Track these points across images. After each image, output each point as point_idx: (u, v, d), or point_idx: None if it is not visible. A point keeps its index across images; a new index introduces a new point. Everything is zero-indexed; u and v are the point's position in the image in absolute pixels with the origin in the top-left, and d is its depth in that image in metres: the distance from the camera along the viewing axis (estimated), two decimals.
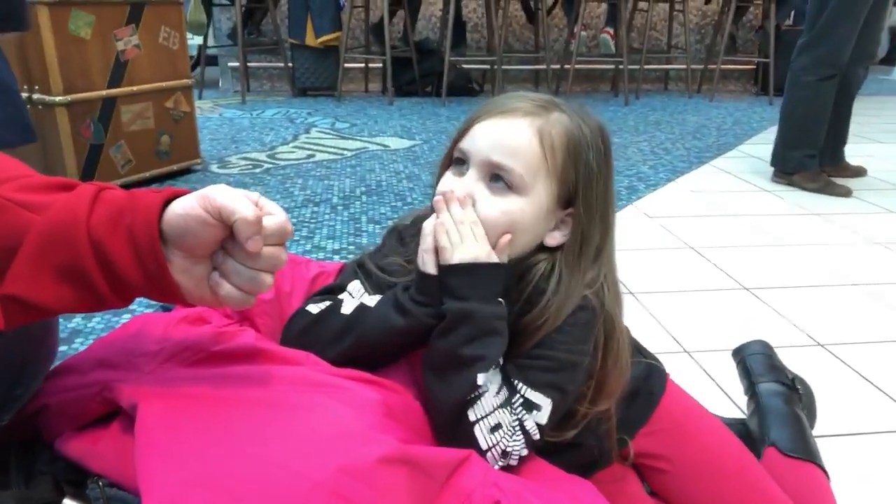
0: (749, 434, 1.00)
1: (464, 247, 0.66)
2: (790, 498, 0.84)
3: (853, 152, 3.28)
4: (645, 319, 1.53)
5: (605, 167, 0.72)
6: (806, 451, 0.94)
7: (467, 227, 0.67)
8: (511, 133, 0.69)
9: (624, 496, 0.76)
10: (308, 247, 1.91)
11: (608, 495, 0.66)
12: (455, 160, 0.72)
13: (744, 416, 1.09)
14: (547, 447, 0.69)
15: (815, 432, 1.07)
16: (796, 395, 1.05)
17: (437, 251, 0.68)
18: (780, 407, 1.01)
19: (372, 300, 0.72)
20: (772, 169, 2.77)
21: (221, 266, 0.56)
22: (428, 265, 0.68)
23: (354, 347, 0.69)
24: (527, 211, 0.69)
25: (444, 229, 0.67)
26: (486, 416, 0.65)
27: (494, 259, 0.67)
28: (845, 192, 2.56)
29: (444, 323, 0.66)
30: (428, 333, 0.67)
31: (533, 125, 0.69)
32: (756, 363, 1.11)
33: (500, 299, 0.68)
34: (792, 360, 1.16)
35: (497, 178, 0.68)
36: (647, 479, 0.84)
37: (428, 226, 0.69)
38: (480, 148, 0.69)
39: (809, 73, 2.53)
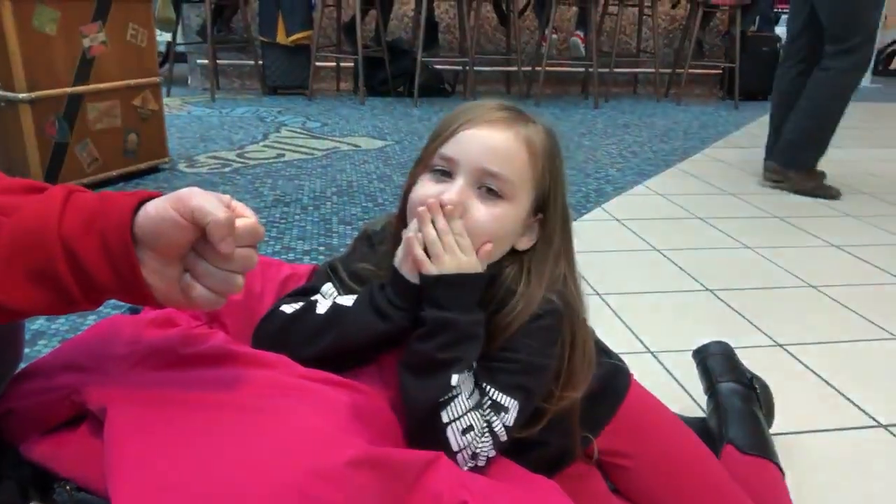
0: (708, 432, 1.03)
1: (448, 258, 0.67)
2: (747, 493, 0.87)
3: None
4: (610, 320, 1.56)
5: (563, 172, 0.76)
6: (762, 449, 0.98)
7: (452, 238, 0.67)
8: (502, 142, 0.70)
9: (587, 493, 0.78)
10: (278, 247, 1.90)
11: (572, 492, 0.68)
12: (434, 167, 0.72)
13: (704, 415, 1.12)
14: (513, 446, 0.71)
15: (772, 430, 1.11)
16: (754, 395, 1.08)
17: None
18: (738, 406, 1.04)
19: (346, 299, 0.73)
20: (737, 172, 2.83)
21: (193, 268, 0.56)
22: (410, 274, 0.69)
23: (330, 348, 0.70)
24: (513, 216, 0.71)
25: (418, 242, 0.67)
26: (459, 417, 0.66)
27: (478, 269, 0.69)
28: (835, 194, 2.66)
29: (425, 329, 0.67)
30: (403, 334, 0.69)
31: (520, 134, 0.71)
32: (716, 363, 1.14)
33: (475, 305, 0.69)
34: (751, 360, 1.20)
35: (485, 185, 0.70)
36: (609, 476, 0.87)
37: (410, 233, 0.69)
38: (471, 156, 0.70)
39: (851, 75, 2.61)
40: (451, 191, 0.69)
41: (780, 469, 0.97)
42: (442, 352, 0.66)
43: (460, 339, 0.67)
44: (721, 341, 1.20)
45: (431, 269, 0.67)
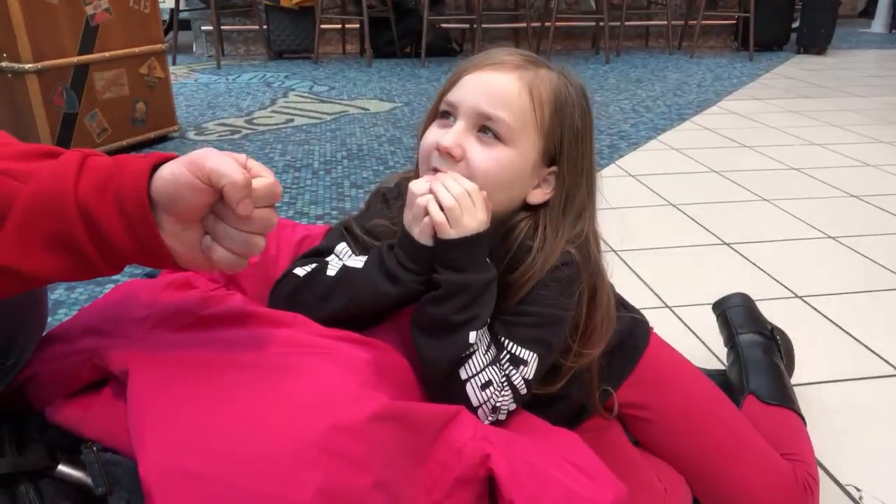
0: (729, 384, 1.03)
1: (467, 219, 0.65)
2: (769, 443, 0.86)
3: (831, 106, 3.31)
4: (627, 276, 1.55)
5: (589, 127, 0.73)
6: (783, 399, 0.97)
7: (468, 199, 0.65)
8: (501, 84, 0.69)
9: (608, 445, 0.78)
10: (291, 213, 1.90)
11: (593, 444, 0.68)
12: (442, 113, 0.71)
13: (724, 368, 1.12)
14: (534, 400, 0.70)
15: (793, 380, 1.11)
16: (775, 345, 1.08)
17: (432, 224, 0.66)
18: (759, 357, 1.04)
19: (356, 261, 0.72)
20: (752, 124, 2.78)
21: (213, 230, 0.55)
22: (423, 237, 0.66)
23: (342, 311, 0.69)
24: (516, 162, 0.69)
25: (437, 206, 0.65)
26: (477, 373, 0.66)
27: (487, 225, 0.67)
28: None
29: (440, 292, 0.66)
30: (416, 296, 0.68)
31: (522, 78, 0.69)
32: (736, 315, 1.13)
33: (487, 259, 0.68)
34: (771, 312, 1.18)
35: (485, 129, 0.68)
36: (630, 428, 0.87)
37: (418, 189, 0.67)
38: (469, 98, 0.68)
39: None
40: (449, 135, 0.68)
41: (802, 418, 0.96)
42: (458, 313, 0.65)
43: (476, 299, 0.66)
44: (741, 293, 1.19)
45: (451, 233, 0.65)
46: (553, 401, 0.74)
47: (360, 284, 0.69)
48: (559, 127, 0.71)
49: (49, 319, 1.28)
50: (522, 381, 0.68)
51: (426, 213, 0.66)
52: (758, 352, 1.05)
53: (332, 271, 0.71)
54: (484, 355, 0.67)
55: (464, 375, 0.66)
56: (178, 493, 0.50)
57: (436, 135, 0.70)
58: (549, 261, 0.69)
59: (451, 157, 0.68)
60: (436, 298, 0.66)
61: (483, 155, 0.68)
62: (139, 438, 0.54)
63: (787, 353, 1.10)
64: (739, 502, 0.84)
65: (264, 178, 0.55)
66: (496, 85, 0.69)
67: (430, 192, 0.66)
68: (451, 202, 0.65)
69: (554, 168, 0.72)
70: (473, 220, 0.65)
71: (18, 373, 0.67)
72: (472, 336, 0.65)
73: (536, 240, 0.71)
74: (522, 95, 0.69)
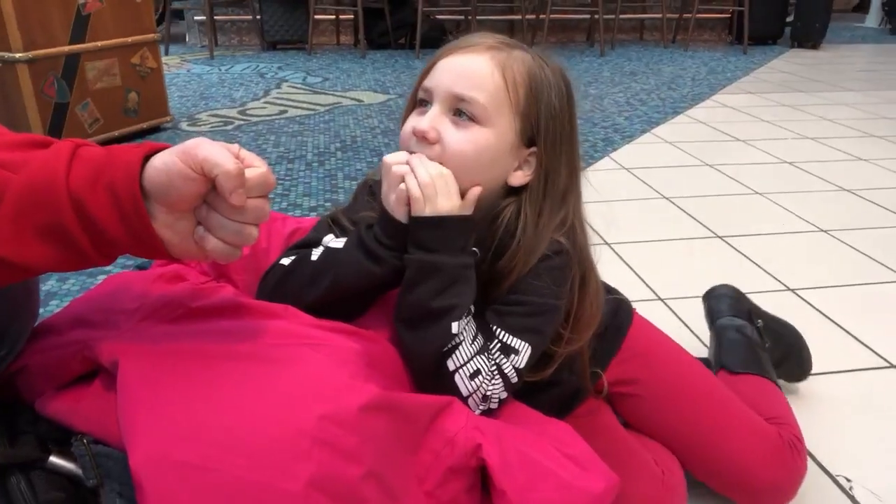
0: (708, 365, 1.04)
1: (438, 200, 0.65)
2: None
3: (824, 100, 3.32)
4: (620, 268, 1.55)
5: (568, 108, 0.72)
6: (754, 368, 0.99)
7: (442, 180, 0.66)
8: (473, 65, 0.69)
9: (601, 430, 0.79)
10: (284, 204, 1.89)
11: (584, 429, 0.68)
12: (420, 101, 0.72)
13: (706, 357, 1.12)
14: (527, 388, 0.71)
15: None
16: (753, 327, 1.08)
17: (408, 201, 0.66)
18: (732, 336, 1.05)
19: (338, 242, 0.71)
20: (746, 118, 2.78)
21: (206, 220, 0.55)
22: (399, 208, 0.67)
23: (328, 292, 0.69)
24: (492, 142, 0.69)
25: (415, 181, 0.66)
26: (465, 364, 0.66)
27: (465, 212, 0.67)
28: None
29: (410, 275, 0.66)
30: (397, 276, 0.68)
31: (495, 59, 0.69)
32: (717, 303, 1.14)
33: (473, 249, 0.68)
34: (762, 305, 1.19)
35: (460, 112, 0.68)
36: (618, 407, 0.88)
37: (392, 159, 0.67)
38: (443, 82, 0.69)
39: None
40: (424, 119, 0.68)
41: (777, 384, 0.98)
42: (436, 300, 0.65)
43: (451, 284, 0.65)
44: (728, 284, 1.19)
45: (425, 209, 0.65)
46: (547, 386, 0.75)
47: (342, 262, 0.69)
48: (535, 107, 0.70)
49: (41, 311, 1.27)
50: (513, 370, 0.68)
51: (401, 180, 0.66)
52: (732, 332, 1.06)
53: (314, 256, 0.71)
54: (470, 345, 0.67)
55: (451, 366, 0.66)
56: (169, 484, 0.50)
57: (413, 121, 0.70)
58: (536, 248, 0.70)
59: (426, 141, 0.68)
60: (409, 282, 0.66)
61: (457, 136, 0.68)
62: (129, 430, 0.54)
63: (797, 350, 1.11)
64: (732, 470, 0.84)
65: (257, 167, 0.55)
66: (468, 67, 0.69)
67: (408, 164, 0.66)
68: (427, 179, 0.65)
69: (533, 149, 0.72)
70: (447, 201, 0.66)
71: (10, 364, 0.67)
72: (455, 326, 0.65)
73: (520, 224, 0.70)
74: (495, 76, 0.69)
